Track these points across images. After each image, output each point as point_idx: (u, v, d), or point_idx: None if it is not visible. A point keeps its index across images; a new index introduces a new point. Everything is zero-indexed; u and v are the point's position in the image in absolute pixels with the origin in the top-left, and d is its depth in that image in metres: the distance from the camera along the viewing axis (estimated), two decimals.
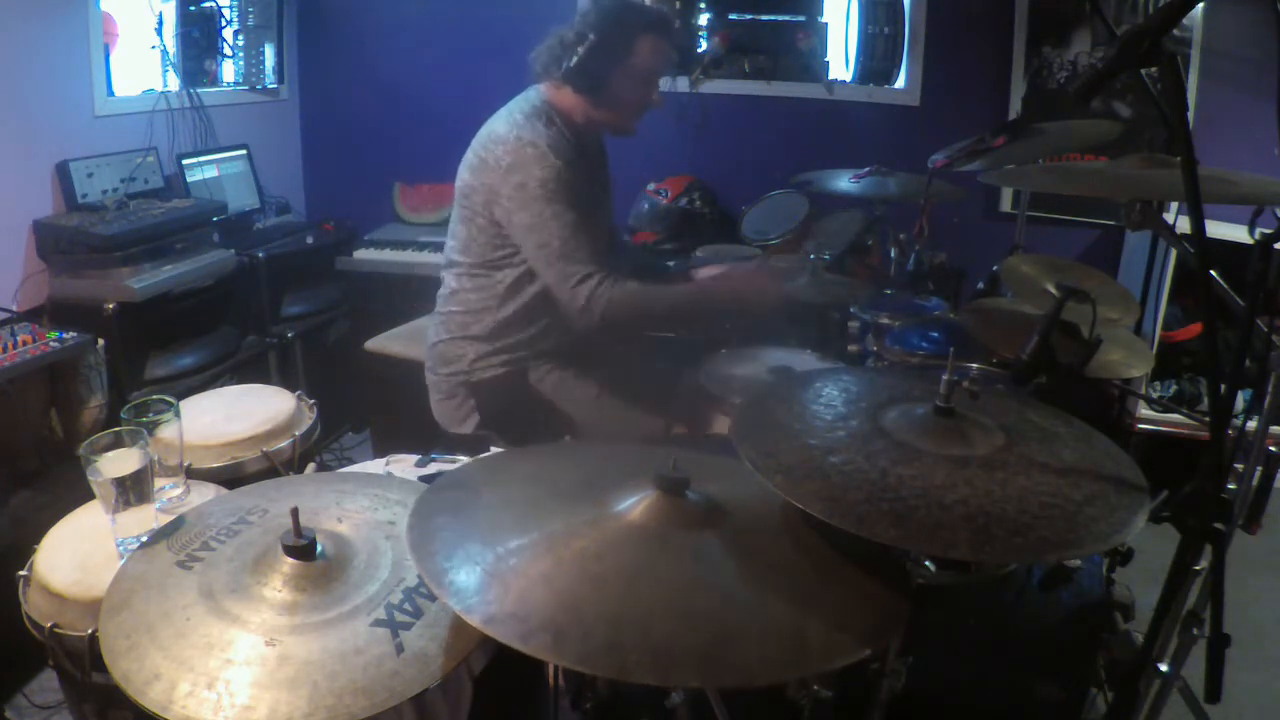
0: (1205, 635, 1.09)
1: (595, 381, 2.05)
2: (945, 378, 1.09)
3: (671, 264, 2.85)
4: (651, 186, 3.46)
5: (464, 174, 1.94)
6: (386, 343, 2.77)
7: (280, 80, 3.80)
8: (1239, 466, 1.36)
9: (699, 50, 3.60)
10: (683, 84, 3.59)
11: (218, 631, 0.95)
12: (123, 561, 1.15)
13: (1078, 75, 3.25)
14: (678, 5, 3.51)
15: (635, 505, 1.01)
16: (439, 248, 2.51)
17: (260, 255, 3.10)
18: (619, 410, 2.03)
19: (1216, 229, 1.31)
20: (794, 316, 2.38)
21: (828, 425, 1.11)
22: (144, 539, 1.17)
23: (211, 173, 3.28)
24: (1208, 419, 0.93)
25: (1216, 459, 0.89)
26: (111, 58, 2.99)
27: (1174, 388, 3.10)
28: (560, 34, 1.89)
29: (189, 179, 3.16)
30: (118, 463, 1.24)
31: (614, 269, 1.86)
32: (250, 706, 0.87)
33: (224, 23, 3.45)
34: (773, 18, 3.57)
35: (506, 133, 1.86)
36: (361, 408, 3.28)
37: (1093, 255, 3.36)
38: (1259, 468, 1.36)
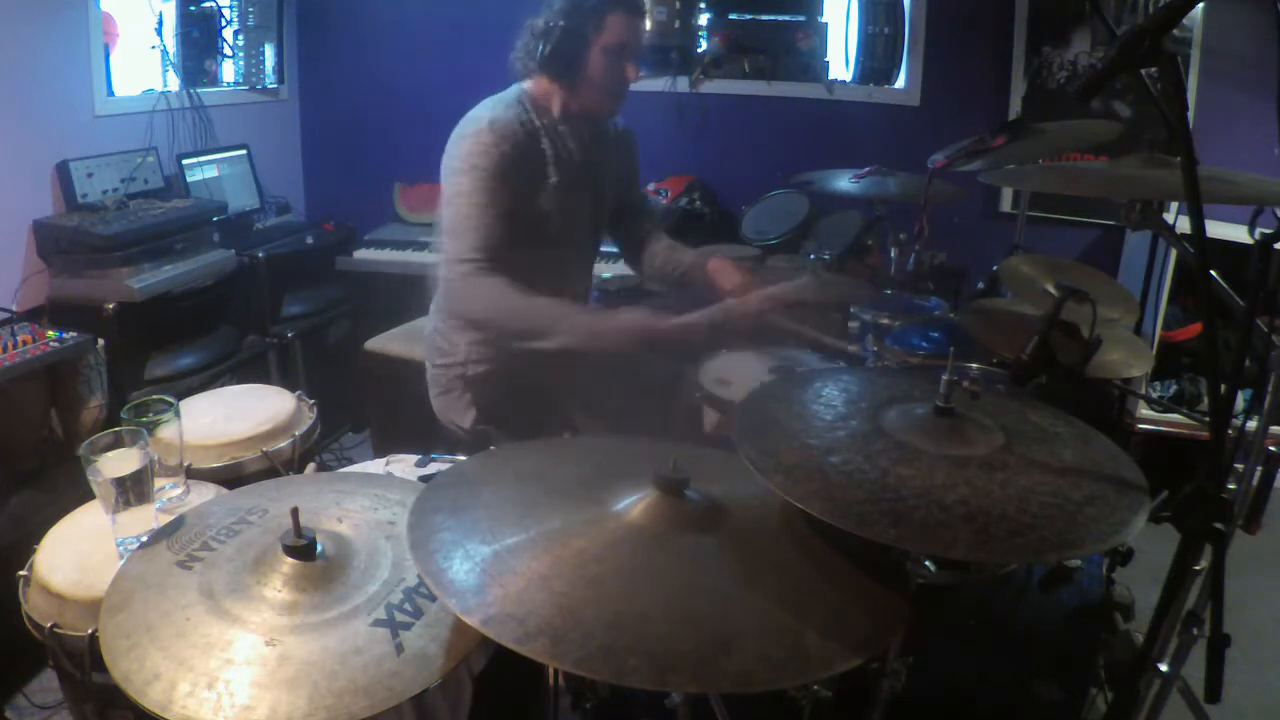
0: (1205, 635, 1.09)
1: (593, 377, 2.05)
2: (945, 378, 1.09)
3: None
4: (651, 186, 3.46)
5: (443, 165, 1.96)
6: (386, 343, 2.77)
7: (280, 80, 3.80)
8: (1239, 466, 1.37)
9: (699, 50, 3.60)
10: (683, 84, 3.59)
11: (218, 631, 0.95)
12: (123, 561, 1.15)
13: (1078, 75, 3.25)
14: (678, 5, 3.51)
15: (634, 505, 1.01)
16: None
17: (260, 255, 3.10)
18: (618, 408, 2.03)
19: (1216, 229, 1.31)
20: (794, 317, 2.38)
21: (828, 425, 1.11)
22: (144, 539, 1.17)
23: (211, 173, 3.28)
24: (1208, 419, 0.93)
25: (1216, 459, 0.89)
26: (111, 58, 2.99)
27: (1174, 388, 3.10)
28: (531, 25, 1.91)
29: (189, 179, 3.16)
30: (118, 463, 1.24)
31: (500, 264, 1.79)
32: (250, 706, 0.87)
33: (224, 23, 3.45)
34: (773, 18, 3.57)
35: (470, 114, 1.90)
36: (361, 408, 3.27)
37: (1093, 255, 3.36)
38: (1259, 468, 1.36)
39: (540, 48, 1.88)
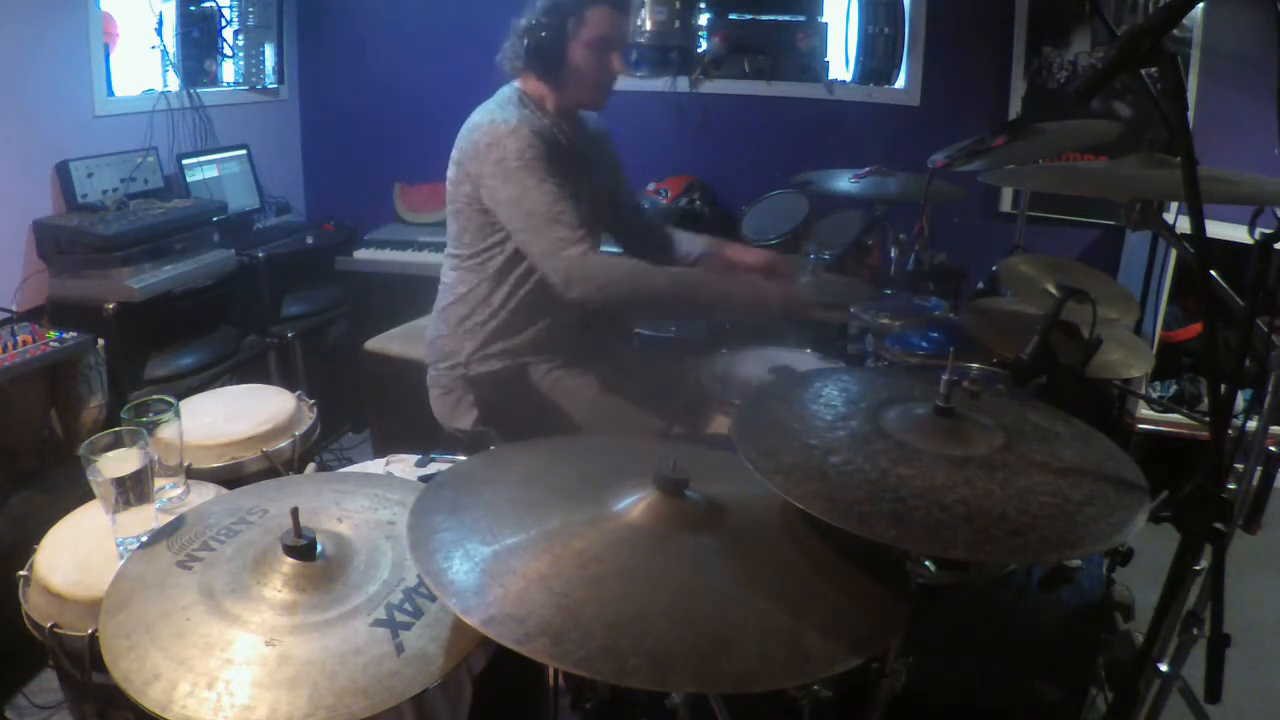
0: (1205, 635, 1.09)
1: (595, 380, 2.06)
2: (945, 378, 1.09)
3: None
4: (651, 186, 3.46)
5: (450, 169, 1.97)
6: (386, 343, 2.77)
7: (280, 80, 3.80)
8: (1239, 466, 1.37)
9: (699, 50, 3.60)
10: (683, 84, 3.59)
11: (218, 631, 0.95)
12: (123, 561, 1.15)
13: (1078, 75, 3.24)
14: (678, 5, 3.51)
15: (634, 505, 1.01)
16: (439, 248, 2.51)
17: (260, 255, 3.10)
18: (619, 409, 2.03)
19: (1216, 229, 1.31)
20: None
21: (828, 425, 1.11)
22: (144, 539, 1.17)
23: (211, 173, 3.28)
24: (1208, 419, 0.93)
25: (1216, 459, 0.89)
26: (111, 58, 2.99)
27: (1174, 388, 3.10)
28: (515, 25, 1.93)
29: (189, 179, 3.16)
30: (118, 463, 1.24)
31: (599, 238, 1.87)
32: (250, 706, 0.87)
33: (224, 23, 3.45)
34: (773, 18, 3.57)
35: (481, 119, 1.91)
36: (361, 408, 3.27)
37: (1093, 255, 3.36)
38: (1259, 468, 1.36)
39: (524, 46, 1.90)
